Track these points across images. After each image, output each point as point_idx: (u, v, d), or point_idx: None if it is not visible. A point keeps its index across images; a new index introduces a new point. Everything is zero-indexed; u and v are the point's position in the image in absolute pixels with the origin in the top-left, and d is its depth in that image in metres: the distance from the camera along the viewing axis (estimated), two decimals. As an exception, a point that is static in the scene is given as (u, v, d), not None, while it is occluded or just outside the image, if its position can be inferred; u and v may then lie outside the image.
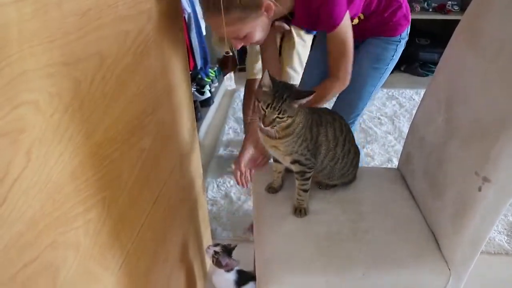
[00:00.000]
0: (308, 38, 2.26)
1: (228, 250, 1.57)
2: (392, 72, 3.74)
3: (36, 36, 0.68)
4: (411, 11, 3.71)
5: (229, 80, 1.39)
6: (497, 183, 1.01)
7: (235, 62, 1.45)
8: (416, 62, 3.82)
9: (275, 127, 1.12)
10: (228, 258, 1.54)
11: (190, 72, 2.84)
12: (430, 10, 3.62)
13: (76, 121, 0.80)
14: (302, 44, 2.26)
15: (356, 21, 1.62)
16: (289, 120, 1.12)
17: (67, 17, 0.76)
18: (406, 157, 1.45)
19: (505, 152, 0.99)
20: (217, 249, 1.54)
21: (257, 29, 1.38)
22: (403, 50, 3.88)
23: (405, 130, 2.91)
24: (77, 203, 0.81)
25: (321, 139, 1.21)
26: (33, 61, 0.67)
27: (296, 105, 1.11)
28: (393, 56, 1.72)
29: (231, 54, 1.33)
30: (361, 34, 1.64)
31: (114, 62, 0.93)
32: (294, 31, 2.19)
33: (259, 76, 2.27)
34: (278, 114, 1.09)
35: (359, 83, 1.70)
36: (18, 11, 0.63)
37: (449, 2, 3.58)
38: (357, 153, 1.34)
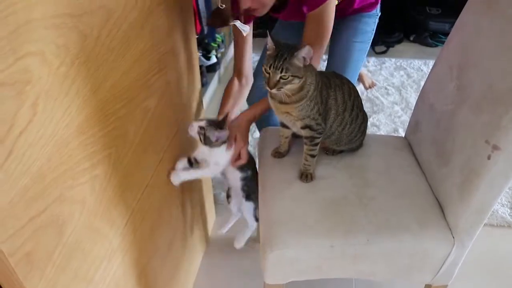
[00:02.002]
0: None
1: (215, 124, 1.33)
2: (401, 41, 3.75)
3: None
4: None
5: (243, 25, 1.32)
6: (507, 151, 0.99)
7: (227, 16, 1.34)
8: (426, 32, 3.74)
9: (281, 89, 1.10)
10: (216, 131, 1.31)
11: (197, 37, 2.80)
12: (443, -22, 3.53)
13: (83, 75, 0.78)
14: None
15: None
16: (296, 80, 1.10)
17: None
18: (414, 125, 1.43)
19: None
20: (202, 124, 1.32)
21: None
22: (413, 19, 3.81)
23: (412, 101, 2.88)
24: (84, 158, 0.81)
25: (330, 102, 1.20)
26: (39, 11, 0.66)
27: (297, 62, 1.09)
28: (373, 30, 1.75)
29: (224, 6, 1.27)
30: (341, 13, 1.62)
31: (121, 17, 0.91)
32: None
33: None
34: (281, 72, 1.08)
35: (347, 60, 1.71)
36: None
37: (462, -30, 3.49)
38: (365, 119, 1.32)
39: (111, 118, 0.90)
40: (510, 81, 1.00)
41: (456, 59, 1.23)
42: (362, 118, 1.30)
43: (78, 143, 0.78)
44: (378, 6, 1.74)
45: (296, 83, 1.10)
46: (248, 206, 1.52)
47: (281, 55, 1.08)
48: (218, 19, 1.35)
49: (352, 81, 1.69)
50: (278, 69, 1.08)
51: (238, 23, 1.34)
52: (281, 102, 1.16)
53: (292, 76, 1.09)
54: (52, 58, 0.70)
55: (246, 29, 1.35)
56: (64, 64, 0.73)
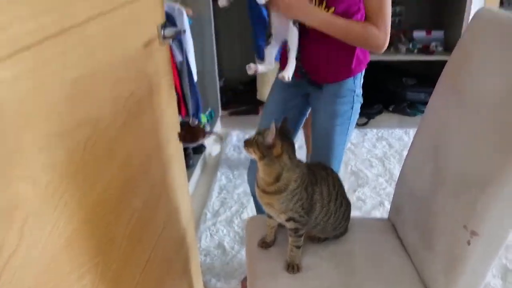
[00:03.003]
0: None
1: None
2: (380, 112, 3.88)
3: (33, 109, 0.70)
4: (397, 52, 3.78)
5: (214, 146, 1.36)
6: (485, 236, 1.02)
7: (204, 129, 1.38)
8: (404, 102, 3.89)
9: (245, 149, 1.19)
10: None
11: (182, 120, 2.87)
12: (415, 51, 3.71)
13: (70, 188, 0.81)
14: None
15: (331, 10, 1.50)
16: (257, 152, 1.16)
17: (63, 86, 0.78)
18: (396, 207, 1.46)
19: (491, 206, 1.01)
20: None
21: None
22: (390, 91, 3.94)
23: (396, 172, 2.93)
24: (71, 270, 0.82)
25: (316, 198, 1.23)
26: (29, 135, 0.69)
27: (266, 139, 1.15)
28: (352, 108, 1.67)
29: (196, 123, 1.31)
30: (316, 55, 1.57)
31: (107, 127, 0.95)
32: None
33: None
34: (257, 136, 1.18)
35: (329, 144, 1.69)
36: (15, 88, 0.65)
37: (433, 43, 3.68)
38: (348, 205, 1.35)
39: (99, 225, 0.92)
40: (482, 166, 1.05)
41: (431, 143, 1.28)
42: (345, 205, 1.33)
43: (65, 257, 0.80)
44: (356, 81, 1.64)
45: (255, 154, 1.17)
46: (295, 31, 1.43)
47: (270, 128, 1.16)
48: (189, 134, 1.38)
49: (338, 162, 1.73)
50: (257, 133, 1.19)
51: (209, 142, 1.36)
52: (264, 192, 1.20)
53: (256, 143, 1.17)
54: (41, 178, 0.72)
55: (217, 150, 1.38)
56: (52, 182, 0.76)
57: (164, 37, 1.20)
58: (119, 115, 1.01)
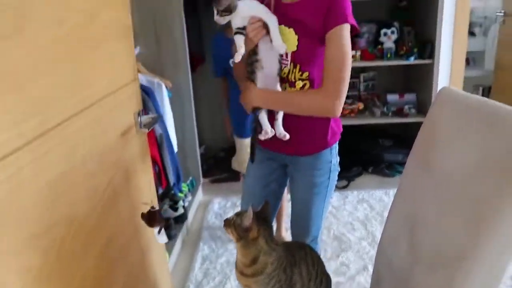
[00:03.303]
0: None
1: None
2: (360, 174, 3.94)
3: (8, 215, 0.71)
4: (372, 116, 3.87)
5: (161, 236, 1.37)
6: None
7: (161, 218, 1.37)
8: (382, 164, 3.96)
9: (224, 228, 1.24)
10: None
11: (163, 190, 2.87)
12: (390, 114, 3.81)
13: (45, 290, 0.80)
14: None
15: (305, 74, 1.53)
16: (234, 233, 1.21)
17: (40, 189, 0.79)
18: (376, 278, 1.46)
19: (468, 283, 1.02)
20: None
21: None
22: (368, 153, 4.01)
23: (378, 234, 2.93)
24: None
25: (295, 278, 1.24)
26: (4, 242, 0.69)
27: (244, 225, 1.19)
28: (329, 178, 1.68)
29: (156, 209, 1.33)
30: (288, 127, 1.57)
31: (84, 220, 0.96)
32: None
33: None
34: (235, 217, 1.23)
35: (307, 213, 1.70)
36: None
37: (406, 106, 3.80)
38: (329, 281, 1.35)
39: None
40: (453, 245, 1.06)
41: (406, 217, 1.30)
42: (326, 282, 1.33)
43: None
44: (332, 151, 1.66)
45: (233, 235, 1.22)
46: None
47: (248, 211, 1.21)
48: (148, 219, 1.35)
49: (317, 228, 1.73)
50: (236, 214, 1.25)
51: (156, 232, 1.37)
52: (241, 274, 1.21)
53: (233, 223, 1.21)
54: (14, 283, 0.72)
55: (164, 239, 1.39)
56: (25, 286, 0.75)
57: (141, 126, 1.23)
58: (97, 206, 1.02)
